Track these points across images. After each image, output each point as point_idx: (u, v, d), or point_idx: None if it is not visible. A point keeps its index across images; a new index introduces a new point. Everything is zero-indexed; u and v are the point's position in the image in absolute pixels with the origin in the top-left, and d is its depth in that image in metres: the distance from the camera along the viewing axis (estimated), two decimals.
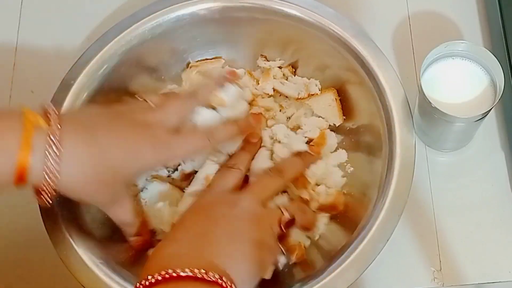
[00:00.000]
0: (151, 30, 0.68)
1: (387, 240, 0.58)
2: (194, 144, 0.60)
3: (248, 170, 0.64)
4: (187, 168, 0.66)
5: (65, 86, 0.66)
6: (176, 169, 0.67)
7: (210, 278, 0.48)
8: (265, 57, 0.72)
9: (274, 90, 0.70)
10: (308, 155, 0.65)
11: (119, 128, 0.55)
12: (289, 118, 0.70)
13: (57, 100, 0.65)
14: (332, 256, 0.59)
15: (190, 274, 0.47)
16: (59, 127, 0.50)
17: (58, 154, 0.49)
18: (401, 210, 0.59)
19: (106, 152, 0.53)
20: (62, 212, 0.60)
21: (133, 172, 0.57)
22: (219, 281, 0.48)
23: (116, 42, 0.67)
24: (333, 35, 0.66)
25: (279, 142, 0.67)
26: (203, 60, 0.72)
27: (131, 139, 0.55)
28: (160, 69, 0.72)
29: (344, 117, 0.69)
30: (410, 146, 0.61)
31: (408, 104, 0.63)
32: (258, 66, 0.72)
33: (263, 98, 0.70)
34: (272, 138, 0.68)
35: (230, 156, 0.65)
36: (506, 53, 0.68)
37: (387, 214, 0.59)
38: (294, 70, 0.72)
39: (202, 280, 0.48)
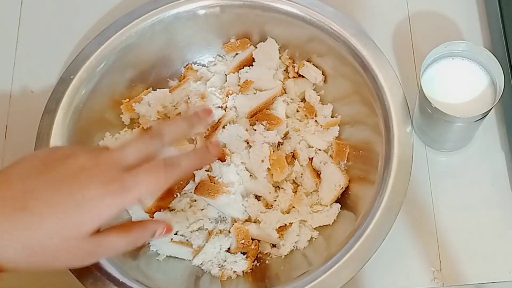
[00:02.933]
0: (151, 27, 0.68)
1: (383, 240, 0.58)
2: (154, 175, 0.50)
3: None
4: None
5: (64, 81, 0.66)
6: None
7: None
8: None
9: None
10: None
11: (56, 187, 0.48)
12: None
13: (56, 95, 0.65)
14: (328, 255, 0.60)
15: None
16: None
17: None
18: (398, 209, 0.59)
19: (42, 222, 0.46)
20: None
21: (88, 226, 0.48)
22: None
23: (115, 38, 0.68)
24: (332, 33, 0.66)
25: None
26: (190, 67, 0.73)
27: (72, 192, 0.47)
28: (159, 65, 0.72)
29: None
30: (408, 146, 0.61)
31: (407, 104, 0.63)
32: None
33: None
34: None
35: None
36: (506, 53, 0.68)
37: (383, 214, 0.59)
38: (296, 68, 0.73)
39: None
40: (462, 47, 0.62)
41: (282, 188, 0.67)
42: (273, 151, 0.67)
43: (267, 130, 0.68)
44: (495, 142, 0.70)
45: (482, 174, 0.69)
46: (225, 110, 0.70)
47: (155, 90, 0.71)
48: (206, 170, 0.67)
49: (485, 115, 0.61)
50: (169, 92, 0.71)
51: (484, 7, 0.75)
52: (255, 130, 0.68)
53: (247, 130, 0.68)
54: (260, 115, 0.69)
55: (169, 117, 0.71)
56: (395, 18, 0.75)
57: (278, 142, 0.68)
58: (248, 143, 0.68)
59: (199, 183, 0.65)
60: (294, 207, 0.67)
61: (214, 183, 0.65)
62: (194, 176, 0.66)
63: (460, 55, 0.63)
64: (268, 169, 0.66)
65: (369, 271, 0.65)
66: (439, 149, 0.70)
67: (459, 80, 0.63)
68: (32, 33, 0.78)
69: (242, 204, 0.66)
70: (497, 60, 0.60)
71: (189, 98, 0.71)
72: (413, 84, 0.71)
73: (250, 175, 0.67)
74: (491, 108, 0.59)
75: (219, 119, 0.69)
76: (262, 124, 0.68)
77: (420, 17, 0.75)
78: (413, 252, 0.66)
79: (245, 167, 0.67)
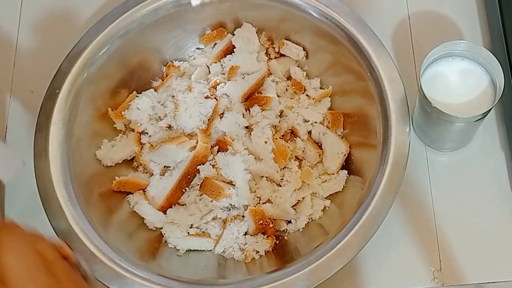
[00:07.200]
0: (124, 33, 0.69)
1: (395, 196, 0.59)
2: None
3: None
4: None
5: (51, 97, 0.66)
6: None
7: None
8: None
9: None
10: None
11: None
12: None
13: (45, 111, 0.65)
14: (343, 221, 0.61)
15: None
16: None
17: None
18: (404, 163, 0.60)
19: None
20: None
21: None
22: None
23: (113, 27, 0.68)
24: (304, 7, 0.67)
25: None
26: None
27: None
28: (139, 69, 0.72)
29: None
30: (402, 101, 0.62)
31: (394, 62, 0.64)
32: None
33: None
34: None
35: None
36: (506, 53, 0.68)
37: (391, 172, 0.60)
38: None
39: None
40: (462, 47, 0.62)
41: (287, 167, 0.68)
42: (275, 132, 0.69)
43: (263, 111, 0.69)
44: (495, 142, 0.70)
45: (482, 174, 0.69)
46: (216, 99, 0.70)
47: (140, 93, 0.72)
48: (210, 162, 0.67)
49: (485, 115, 0.61)
50: (154, 91, 0.72)
51: (484, 7, 0.75)
52: (250, 114, 0.70)
53: (243, 116, 0.69)
54: (252, 99, 0.70)
55: (161, 118, 0.71)
56: (395, 18, 0.75)
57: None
58: (247, 127, 0.69)
59: (203, 180, 0.66)
60: (304, 182, 0.68)
61: (219, 177, 0.66)
62: (199, 171, 0.67)
63: (460, 55, 0.63)
64: (273, 149, 0.67)
65: (369, 270, 0.65)
66: (439, 149, 0.70)
67: (459, 80, 0.63)
68: (32, 33, 0.78)
69: (250, 191, 0.67)
70: (497, 60, 0.60)
71: (173, 96, 0.71)
72: (413, 84, 0.71)
73: (255, 158, 0.67)
74: (491, 108, 0.60)
75: (213, 110, 0.69)
76: (257, 106, 0.69)
77: (420, 17, 0.75)
78: (413, 252, 0.66)
79: (249, 152, 0.67)
